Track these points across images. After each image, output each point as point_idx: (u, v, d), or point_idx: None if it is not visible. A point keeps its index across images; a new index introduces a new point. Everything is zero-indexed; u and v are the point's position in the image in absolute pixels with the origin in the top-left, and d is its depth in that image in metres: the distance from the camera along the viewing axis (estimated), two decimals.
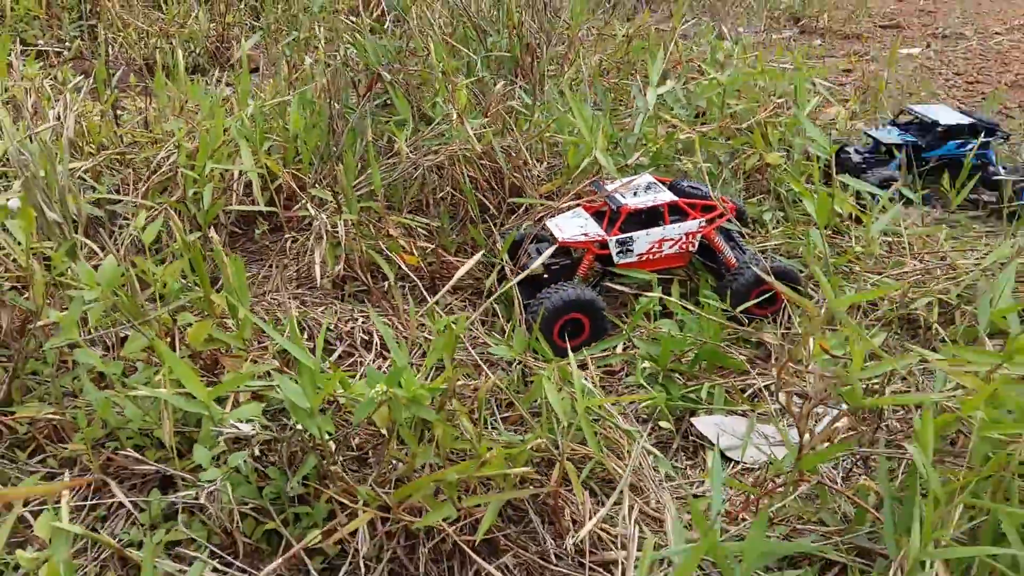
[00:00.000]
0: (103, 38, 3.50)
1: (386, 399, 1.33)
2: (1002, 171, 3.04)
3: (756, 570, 1.34)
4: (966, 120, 3.09)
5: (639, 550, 1.36)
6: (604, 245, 2.21)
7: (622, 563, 1.34)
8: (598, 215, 2.31)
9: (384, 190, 2.36)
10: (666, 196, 2.26)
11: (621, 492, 1.50)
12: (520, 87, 2.86)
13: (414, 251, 2.02)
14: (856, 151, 3.15)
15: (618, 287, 2.26)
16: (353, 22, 3.07)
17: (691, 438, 1.89)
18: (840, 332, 1.44)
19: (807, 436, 1.44)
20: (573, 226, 2.25)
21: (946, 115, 3.14)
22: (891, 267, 2.43)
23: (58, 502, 1.23)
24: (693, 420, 1.90)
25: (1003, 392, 1.23)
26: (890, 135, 3.14)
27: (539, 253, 2.22)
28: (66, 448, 1.56)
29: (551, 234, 2.25)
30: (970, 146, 3.03)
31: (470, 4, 3.00)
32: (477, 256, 1.69)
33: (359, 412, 1.26)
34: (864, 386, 1.67)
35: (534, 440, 1.50)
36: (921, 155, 3.10)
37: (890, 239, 2.64)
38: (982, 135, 3.03)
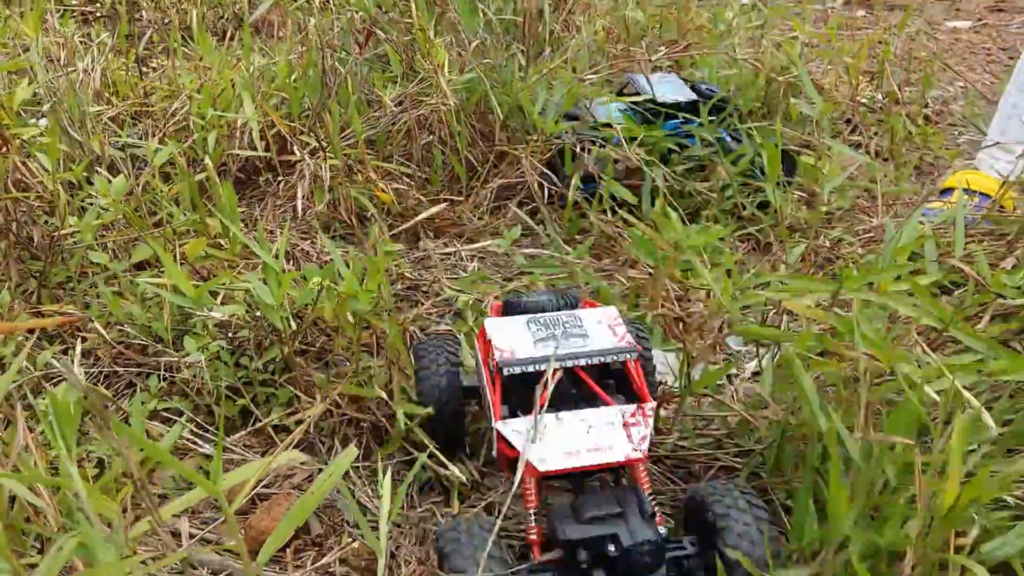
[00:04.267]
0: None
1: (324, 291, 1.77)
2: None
3: None
4: (686, 97, 2.81)
5: None
6: None
7: None
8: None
9: (376, 141, 2.81)
10: None
11: None
12: (520, 51, 3.28)
13: (389, 191, 2.47)
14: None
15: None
16: None
17: None
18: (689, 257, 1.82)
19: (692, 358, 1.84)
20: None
21: (671, 90, 2.86)
22: (844, 225, 2.79)
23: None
24: None
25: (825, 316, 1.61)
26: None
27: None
28: (86, 339, 2.06)
29: None
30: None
31: None
32: (443, 205, 2.10)
33: (300, 298, 1.71)
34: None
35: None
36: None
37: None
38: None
